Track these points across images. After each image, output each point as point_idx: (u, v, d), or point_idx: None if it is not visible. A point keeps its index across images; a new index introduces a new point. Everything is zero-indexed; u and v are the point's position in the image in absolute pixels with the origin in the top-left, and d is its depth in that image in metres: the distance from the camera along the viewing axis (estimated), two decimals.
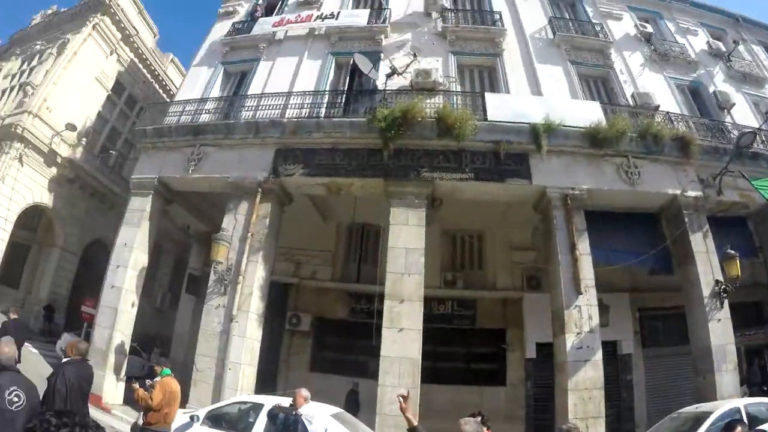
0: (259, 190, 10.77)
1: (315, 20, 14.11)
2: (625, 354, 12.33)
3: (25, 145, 18.91)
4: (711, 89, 13.32)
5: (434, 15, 13.78)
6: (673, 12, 15.83)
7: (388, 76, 11.67)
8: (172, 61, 29.34)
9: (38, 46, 23.92)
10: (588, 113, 10.70)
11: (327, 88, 12.53)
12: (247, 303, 9.95)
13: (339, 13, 14.24)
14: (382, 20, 13.83)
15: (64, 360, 5.66)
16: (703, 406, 7.07)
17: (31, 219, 20.54)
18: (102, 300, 11.19)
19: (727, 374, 8.71)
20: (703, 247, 9.75)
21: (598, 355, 8.70)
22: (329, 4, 15.11)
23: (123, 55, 24.49)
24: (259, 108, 12.10)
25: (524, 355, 12.44)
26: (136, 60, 25.34)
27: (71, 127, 19.95)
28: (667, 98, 12.47)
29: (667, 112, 11.51)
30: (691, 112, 12.65)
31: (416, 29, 13.61)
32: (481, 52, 13.14)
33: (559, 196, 9.87)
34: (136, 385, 6.77)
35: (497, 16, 13.84)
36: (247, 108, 12.38)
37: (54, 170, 20.31)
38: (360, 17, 13.96)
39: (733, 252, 9.04)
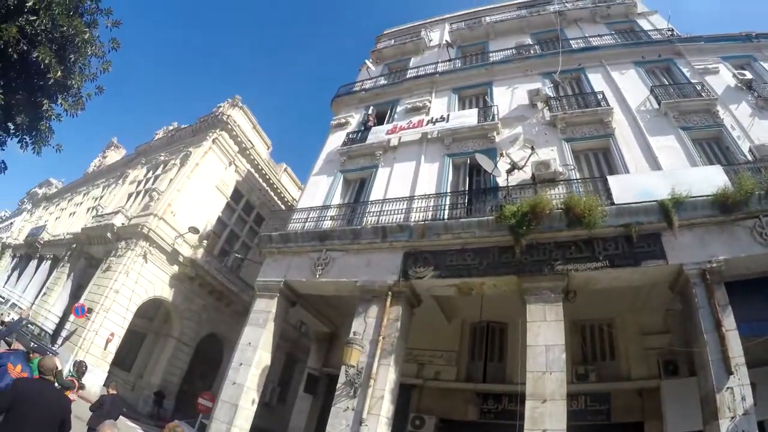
0: (389, 293, 11.21)
1: (427, 125, 15.48)
2: None
3: (149, 243, 21.60)
4: None
5: (539, 105, 14.65)
6: (764, 50, 15.53)
7: (509, 171, 12.19)
8: (285, 170, 32.63)
9: (162, 157, 28.08)
10: (712, 179, 10.68)
11: (448, 190, 13.34)
12: (377, 406, 10.03)
13: (449, 115, 15.54)
14: (491, 118, 14.84)
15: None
16: None
17: (148, 309, 22.78)
18: (222, 395, 11.59)
19: None
20: None
21: None
22: (437, 108, 16.64)
23: (240, 166, 27.77)
24: (383, 213, 13.00)
25: None
26: (252, 170, 28.63)
27: (194, 230, 22.56)
28: None
29: None
30: None
31: (525, 122, 14.49)
32: (593, 135, 13.54)
33: (696, 272, 9.62)
34: None
35: (600, 96, 14.44)
36: (370, 213, 13.35)
37: (176, 268, 22.85)
38: (469, 117, 15.13)
39: None
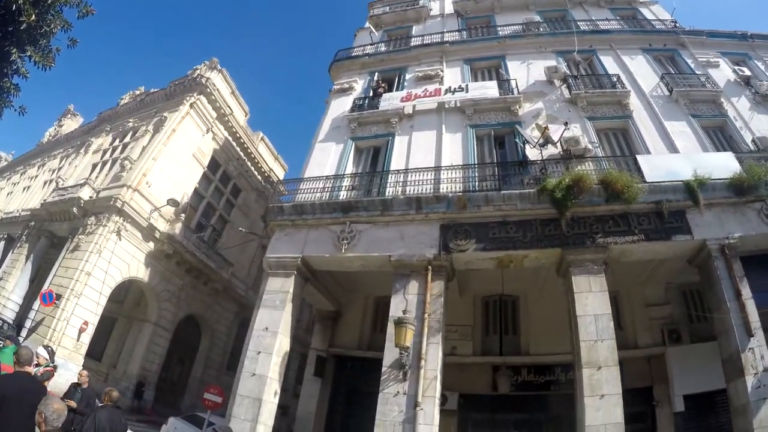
0: (429, 267, 11.20)
1: (445, 94, 15.84)
2: None
3: (123, 218, 20.21)
4: None
5: (557, 83, 15.62)
6: (758, 50, 17.49)
7: (543, 146, 12.96)
8: (262, 139, 32.12)
9: (131, 124, 26.68)
10: (728, 164, 12.15)
11: (475, 161, 13.88)
12: (431, 388, 9.96)
13: (467, 86, 16.02)
14: (512, 92, 15.52)
15: (99, 405, 7.16)
16: None
17: (118, 291, 21.01)
18: (239, 389, 10.89)
19: None
20: None
21: None
22: (450, 78, 17.11)
23: (218, 134, 27.02)
24: (408, 183, 12.99)
25: (672, 410, 12.94)
26: (230, 138, 28.01)
27: (173, 202, 21.46)
28: None
29: None
30: None
31: (545, 98, 15.36)
32: (613, 116, 14.67)
33: (717, 247, 10.96)
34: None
35: (615, 79, 15.60)
36: (393, 184, 13.26)
37: (151, 245, 21.63)
38: (491, 89, 15.70)
39: None
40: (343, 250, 12.09)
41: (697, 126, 14.19)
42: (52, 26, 7.19)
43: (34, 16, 6.66)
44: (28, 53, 7.08)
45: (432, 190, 12.56)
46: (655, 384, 13.53)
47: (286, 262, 12.36)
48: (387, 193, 13.06)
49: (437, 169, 13.35)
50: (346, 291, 15.73)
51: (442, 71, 17.63)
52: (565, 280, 11.45)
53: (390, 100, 16.55)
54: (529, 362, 14.15)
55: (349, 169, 15.10)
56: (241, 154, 29.32)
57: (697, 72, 16.16)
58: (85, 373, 9.63)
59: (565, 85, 15.57)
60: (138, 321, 22.47)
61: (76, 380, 9.34)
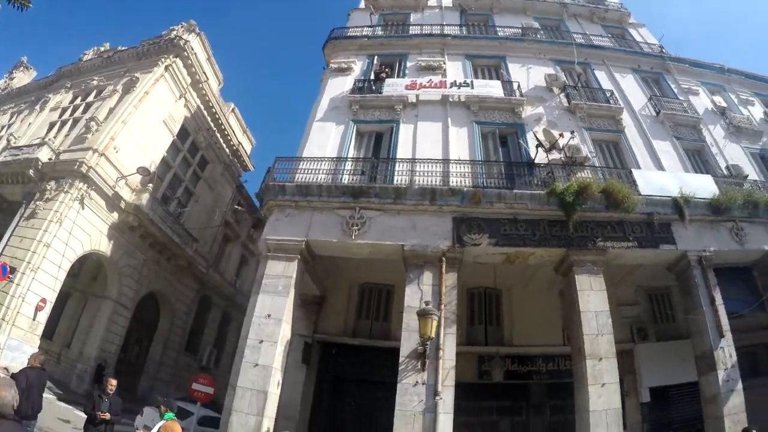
0: (443, 259, 11.79)
1: (451, 87, 16.70)
2: None
3: (88, 185, 19.03)
4: None
5: (556, 90, 16.98)
6: (733, 84, 19.95)
7: (548, 150, 14.18)
8: (233, 110, 31.47)
9: (95, 82, 25.40)
10: (707, 185, 14.10)
11: (481, 158, 14.83)
12: (450, 377, 10.56)
13: (473, 82, 17.00)
14: (516, 93, 16.70)
15: (28, 366, 7.82)
16: None
17: (73, 264, 19.39)
18: (240, 381, 10.65)
19: None
20: None
21: (740, 386, 11.56)
22: (453, 72, 17.97)
23: (191, 101, 26.27)
24: (416, 173, 13.46)
25: (639, 400, 14.72)
26: (202, 106, 27.26)
27: (144, 171, 20.50)
28: (747, 166, 16.14)
29: (755, 180, 15.33)
30: (765, 177, 16.27)
31: (545, 103, 16.65)
32: (607, 129, 16.30)
33: (696, 258, 12.83)
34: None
35: (609, 94, 17.23)
36: (400, 172, 13.71)
37: (116, 216, 20.49)
38: (495, 88, 16.78)
39: None
40: (353, 237, 12.30)
41: (679, 147, 16.13)
42: None
43: None
44: None
45: (441, 183, 13.19)
46: (624, 377, 14.64)
47: (289, 245, 12.28)
48: (395, 181, 13.44)
49: (446, 161, 14.04)
50: (330, 276, 15.96)
51: (444, 63, 18.47)
52: (566, 278, 12.88)
53: (394, 86, 17.11)
54: (513, 353, 15.54)
55: (351, 152, 15.35)
56: (212, 124, 28.69)
57: (680, 97, 18.20)
58: (39, 355, 8.80)
59: (563, 94, 17.00)
60: (95, 297, 21.36)
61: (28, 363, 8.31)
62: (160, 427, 7.35)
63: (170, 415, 7.69)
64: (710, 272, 12.95)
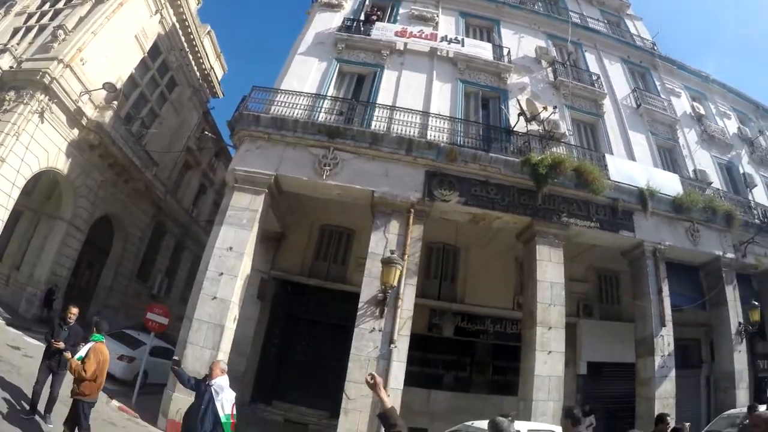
0: (412, 210, 11.88)
1: (441, 41, 16.36)
2: None
3: (50, 98, 17.78)
4: (741, 170, 17.93)
5: (544, 63, 16.97)
6: (714, 94, 20.46)
7: (528, 120, 14.12)
8: (208, 33, 29.75)
9: None
10: (672, 183, 14.53)
11: (461, 116, 14.67)
12: (406, 327, 10.86)
13: (463, 40, 16.69)
14: (505, 59, 16.57)
15: None
16: (742, 409, 10.97)
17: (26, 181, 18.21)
18: (197, 313, 10.57)
19: (742, 391, 12.98)
20: (732, 296, 14.03)
21: (673, 373, 12.20)
22: (445, 27, 17.63)
23: (167, 17, 24.67)
24: (394, 121, 13.27)
25: (577, 372, 15.41)
26: (178, 25, 25.63)
27: (110, 87, 19.20)
28: (713, 174, 16.70)
29: (718, 189, 15.87)
30: (727, 188, 17.00)
31: (531, 74, 16.61)
32: (588, 111, 16.47)
33: (651, 248, 13.35)
34: (69, 355, 7.38)
35: (595, 78, 17.32)
36: (378, 118, 13.47)
37: (76, 132, 19.32)
38: (485, 50, 16.56)
39: (756, 303, 13.56)
40: (324, 177, 12.18)
41: (653, 142, 16.52)
42: None
43: None
44: None
45: (418, 134, 13.08)
46: (566, 348, 15.72)
47: (257, 178, 12.07)
48: (372, 127, 13.26)
49: (426, 114, 13.90)
50: (293, 213, 15.71)
51: (438, 16, 18.04)
52: (526, 246, 13.19)
53: (383, 31, 16.66)
54: (464, 310, 15.89)
55: (331, 91, 15.05)
56: (186, 45, 26.92)
57: (662, 96, 18.54)
58: None
59: (551, 68, 16.99)
60: (48, 217, 20.03)
61: None
62: (89, 350, 7.06)
63: (99, 336, 7.35)
64: (662, 264, 13.53)
